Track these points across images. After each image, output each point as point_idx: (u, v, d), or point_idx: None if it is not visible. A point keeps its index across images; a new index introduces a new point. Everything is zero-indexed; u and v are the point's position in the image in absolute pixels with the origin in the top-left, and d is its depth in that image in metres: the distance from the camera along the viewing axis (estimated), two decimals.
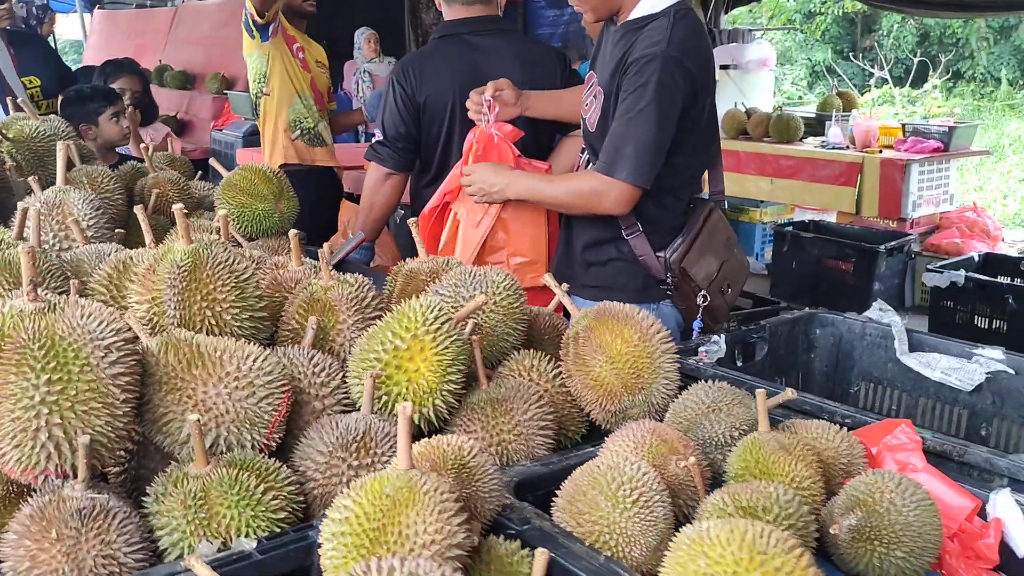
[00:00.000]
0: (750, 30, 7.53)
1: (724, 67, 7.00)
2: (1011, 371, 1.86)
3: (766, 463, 1.23)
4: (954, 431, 1.94)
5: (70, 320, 1.09)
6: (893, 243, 5.39)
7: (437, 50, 2.86)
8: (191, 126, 7.37)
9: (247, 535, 1.11)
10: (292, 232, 1.60)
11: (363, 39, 7.91)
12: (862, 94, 16.48)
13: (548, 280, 1.55)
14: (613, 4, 2.31)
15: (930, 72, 16.12)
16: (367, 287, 1.52)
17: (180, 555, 1.10)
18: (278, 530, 1.14)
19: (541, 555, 0.99)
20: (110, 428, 1.10)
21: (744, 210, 6.61)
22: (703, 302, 2.35)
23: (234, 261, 1.32)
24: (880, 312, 2.05)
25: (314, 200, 3.61)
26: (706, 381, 1.47)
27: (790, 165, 6.11)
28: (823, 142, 6.15)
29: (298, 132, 4.01)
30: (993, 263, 5.02)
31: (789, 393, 1.34)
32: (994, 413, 1.90)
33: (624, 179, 2.21)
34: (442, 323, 1.32)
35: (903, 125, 6.17)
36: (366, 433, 1.22)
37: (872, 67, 17.11)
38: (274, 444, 1.25)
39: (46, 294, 1.13)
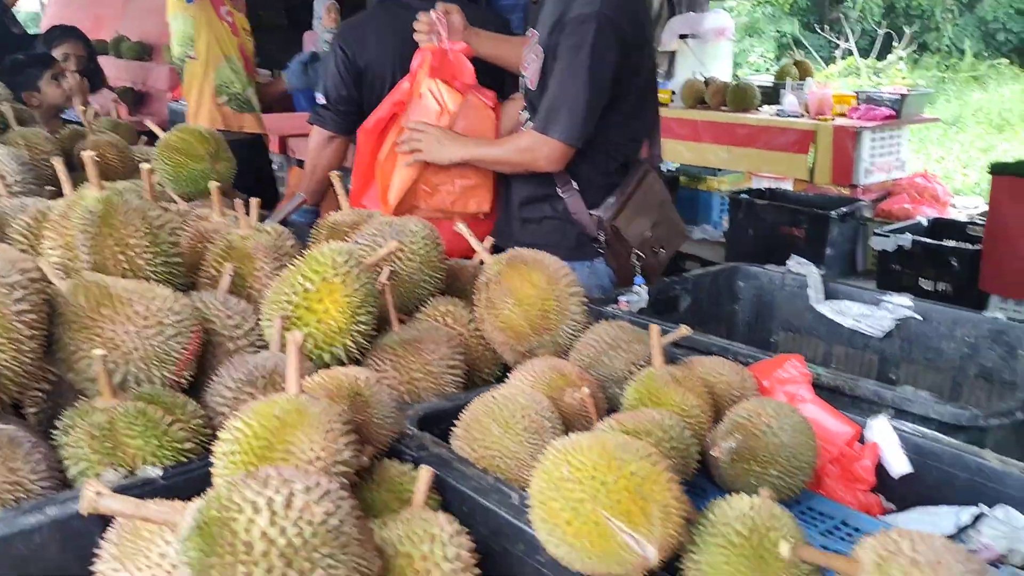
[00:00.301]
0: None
1: (683, 36, 7.04)
2: (919, 317, 1.94)
3: (657, 394, 1.30)
4: (866, 375, 2.02)
5: None
6: (845, 209, 5.47)
7: (377, 15, 2.87)
8: (149, 97, 7.31)
9: (153, 464, 1.16)
10: (212, 184, 1.64)
11: (324, 8, 7.82)
12: (828, 66, 16.61)
13: (461, 228, 1.60)
14: None
15: (895, 44, 16.26)
16: (285, 236, 1.56)
17: None
18: (185, 460, 1.19)
19: (425, 471, 1.05)
20: (16, 362, 1.15)
21: (702, 179, 6.67)
22: (636, 260, 2.41)
23: (147, 208, 1.36)
24: (798, 264, 2.13)
25: (241, 169, 3.61)
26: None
27: (746, 133, 6.18)
28: (779, 110, 6.22)
29: (225, 97, 3.98)
30: (941, 227, 5.13)
31: (683, 330, 1.40)
32: (903, 358, 1.98)
33: (557, 137, 2.28)
34: (351, 267, 1.36)
35: (857, 93, 6.24)
36: (273, 370, 1.27)
37: (839, 39, 17.23)
38: (185, 381, 1.29)
39: None
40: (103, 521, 1.04)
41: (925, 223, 5.18)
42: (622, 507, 0.91)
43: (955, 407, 1.39)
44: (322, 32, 7.95)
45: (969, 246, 4.71)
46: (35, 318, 1.17)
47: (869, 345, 2.01)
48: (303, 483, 0.89)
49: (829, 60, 17.14)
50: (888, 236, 4.92)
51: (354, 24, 2.91)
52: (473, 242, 1.59)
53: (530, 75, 2.43)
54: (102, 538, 1.02)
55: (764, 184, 6.22)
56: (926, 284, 4.80)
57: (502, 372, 1.60)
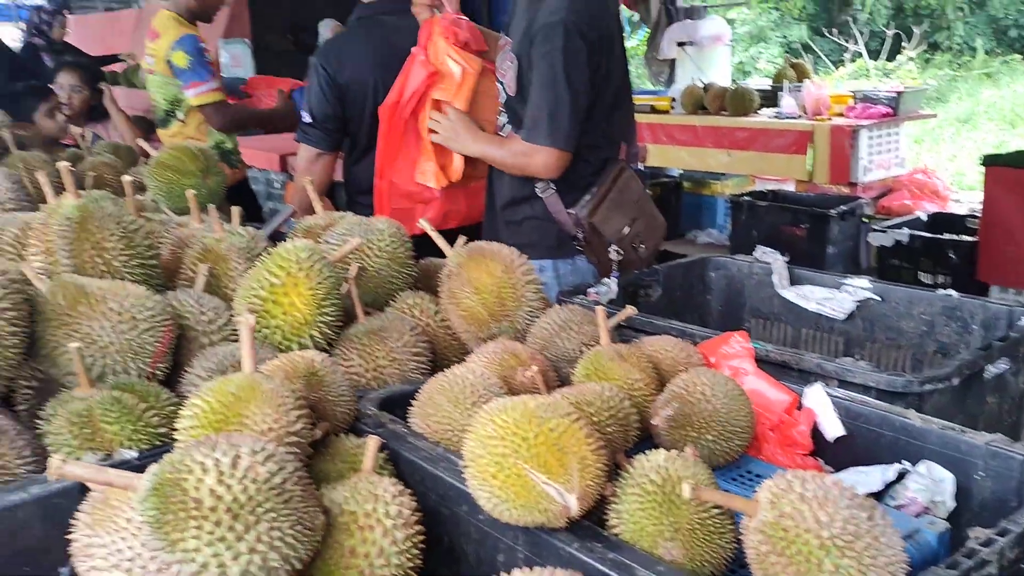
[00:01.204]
0: (705, 6, 7.67)
1: (681, 44, 7.13)
2: (878, 298, 2.00)
3: (603, 370, 1.37)
4: (833, 355, 2.08)
5: None
6: (844, 207, 5.52)
7: (356, 32, 2.98)
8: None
9: (129, 447, 1.25)
10: (189, 192, 1.74)
11: (327, 30, 8.01)
12: (837, 68, 16.63)
13: (423, 224, 1.69)
14: None
15: (904, 44, 16.25)
16: (258, 239, 1.66)
17: None
18: (159, 443, 1.28)
19: (372, 440, 1.13)
20: (1, 358, 1.24)
21: (706, 183, 6.74)
22: (616, 256, 2.49)
23: (122, 213, 1.46)
24: (764, 253, 2.20)
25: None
26: None
27: (745, 136, 6.24)
28: (776, 113, 6.28)
29: (221, 155, 4.10)
30: (941, 222, 5.17)
31: (629, 310, 1.48)
32: (866, 338, 2.04)
33: (545, 144, 2.36)
34: (314, 261, 1.45)
35: (854, 92, 6.30)
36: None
37: (847, 42, 17.24)
38: (160, 373, 1.39)
39: None
40: (80, 497, 1.14)
41: (924, 218, 5.22)
42: (541, 460, 0.99)
43: (891, 374, 1.46)
44: None
45: (968, 238, 4.74)
46: (16, 316, 1.26)
47: (834, 328, 2.08)
48: (249, 447, 0.97)
49: (838, 63, 17.15)
50: (886, 232, 4.97)
51: (333, 43, 3.02)
52: (435, 237, 1.68)
53: (507, 82, 2.52)
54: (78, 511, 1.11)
55: (768, 186, 6.28)
56: (925, 278, 4.83)
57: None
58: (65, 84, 4.44)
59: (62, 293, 1.33)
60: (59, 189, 1.50)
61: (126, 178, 1.71)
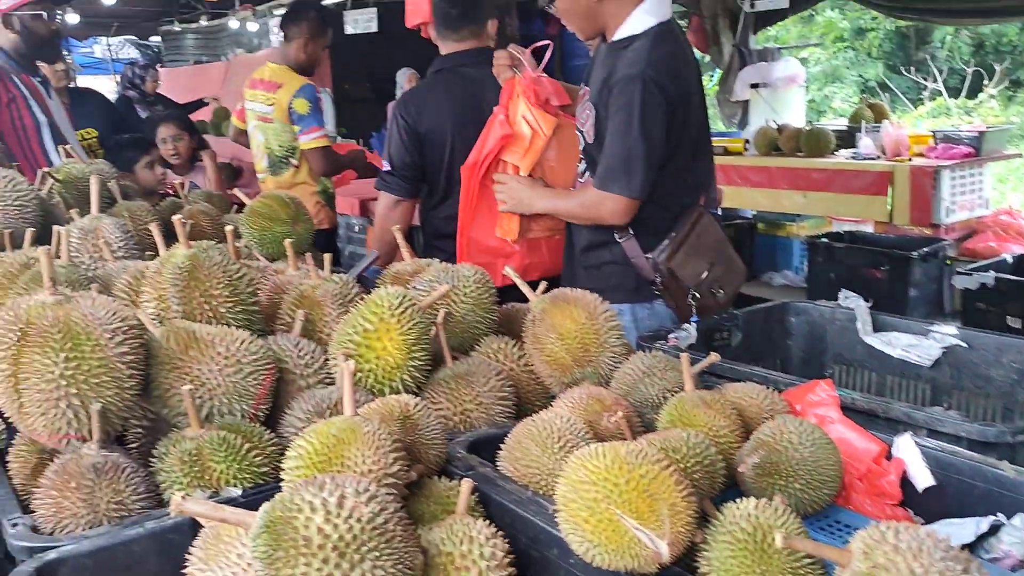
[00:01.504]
0: (779, 48, 7.64)
1: (754, 86, 7.13)
2: (965, 345, 1.98)
3: (688, 416, 1.40)
4: (919, 403, 2.06)
5: (83, 309, 1.32)
6: (926, 249, 5.41)
7: (435, 83, 3.10)
8: (246, 171, 7.77)
9: (235, 485, 1.32)
10: (287, 241, 1.83)
11: (405, 79, 8.26)
12: (916, 107, 16.35)
13: (508, 272, 1.74)
14: (597, 25, 2.52)
15: (985, 82, 15.91)
16: (351, 285, 1.73)
17: None
18: (262, 482, 1.34)
19: (465, 483, 1.17)
20: (119, 398, 1.33)
21: (781, 225, 6.68)
22: (693, 301, 2.51)
23: (227, 262, 1.55)
24: (847, 298, 2.19)
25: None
26: None
27: (821, 178, 6.18)
28: (854, 153, 6.21)
29: (325, 199, 4.40)
30: None
31: (713, 357, 1.50)
32: (953, 386, 2.01)
33: (617, 193, 2.41)
34: (406, 308, 1.51)
35: (934, 132, 6.20)
36: (338, 402, 1.42)
37: (926, 80, 16.96)
38: (262, 415, 1.46)
39: (66, 290, 1.36)
40: (192, 533, 1.20)
41: (1010, 260, 5.08)
42: (632, 505, 1.01)
43: (982, 425, 1.45)
44: None
45: None
46: (133, 359, 1.35)
47: (920, 375, 2.05)
48: (353, 487, 1.02)
49: (917, 102, 16.87)
50: (971, 275, 4.84)
51: (413, 94, 3.14)
52: (519, 283, 1.73)
53: (586, 130, 2.58)
54: (192, 546, 1.18)
55: (845, 228, 6.20)
56: (1014, 322, 4.69)
57: (551, 404, 1.71)
58: (167, 136, 4.72)
59: (174, 338, 1.41)
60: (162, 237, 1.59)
61: (228, 228, 1.81)
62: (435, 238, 3.16)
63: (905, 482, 1.37)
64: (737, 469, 1.33)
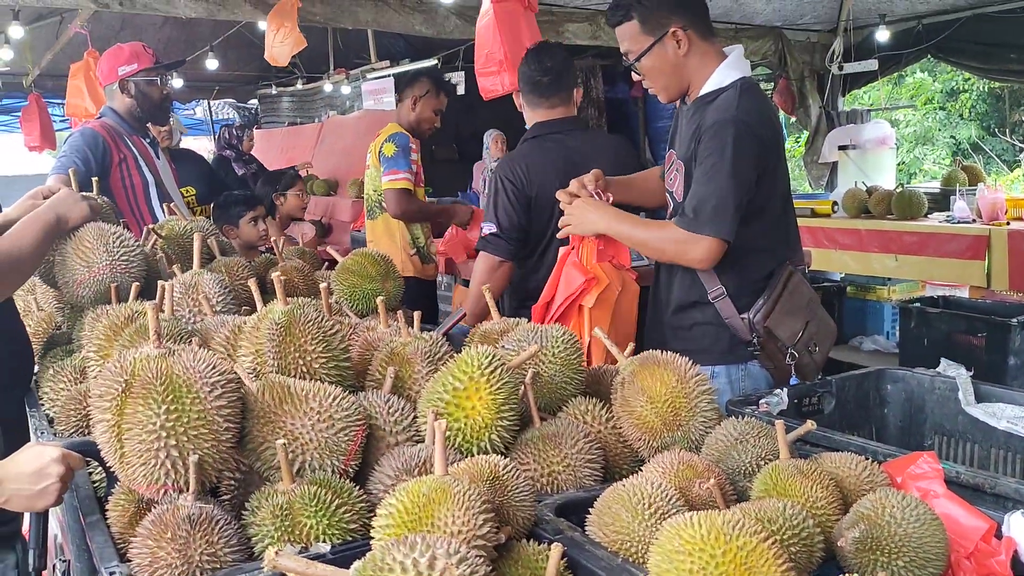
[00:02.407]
0: (868, 110, 7.54)
1: (843, 148, 7.03)
2: None
3: (784, 486, 1.36)
4: None
5: (185, 363, 1.37)
6: None
7: (534, 148, 3.18)
8: (335, 228, 7.99)
9: (324, 541, 1.33)
10: (379, 299, 1.86)
11: (491, 139, 8.41)
12: (1012, 170, 15.86)
13: (598, 333, 1.73)
14: (682, 82, 2.53)
15: None
16: (440, 344, 1.75)
17: None
18: (350, 539, 1.35)
19: (556, 548, 1.16)
20: (215, 450, 1.36)
21: (871, 288, 6.51)
22: (791, 360, 2.44)
23: (322, 319, 1.58)
24: (948, 366, 2.11)
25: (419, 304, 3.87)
26: None
27: (914, 241, 6.02)
28: (948, 216, 6.05)
29: (415, 250, 4.47)
30: None
31: (809, 425, 1.46)
32: None
33: (708, 234, 2.33)
34: (496, 367, 1.52)
35: None
36: (427, 460, 1.43)
37: (1022, 142, 16.48)
38: (352, 471, 1.47)
39: (168, 343, 1.41)
40: None
41: None
42: None
43: None
44: (489, 161, 8.51)
45: None
46: (231, 413, 1.38)
47: None
48: (444, 548, 1.02)
49: (1013, 164, 16.38)
50: None
51: (516, 158, 3.19)
52: (609, 345, 1.72)
53: (675, 189, 2.57)
54: None
55: (938, 292, 6.01)
56: None
57: (639, 468, 1.68)
58: (303, 195, 4.99)
59: (269, 392, 1.44)
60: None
61: (323, 285, 1.85)
62: (526, 299, 3.18)
63: (1016, 563, 1.30)
64: (836, 543, 1.28)
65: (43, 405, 2.06)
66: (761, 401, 1.99)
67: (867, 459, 1.46)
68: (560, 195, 2.63)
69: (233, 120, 13.24)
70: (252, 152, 8.68)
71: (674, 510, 1.29)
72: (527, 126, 3.37)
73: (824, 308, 2.63)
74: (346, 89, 10.11)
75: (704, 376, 1.62)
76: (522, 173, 3.08)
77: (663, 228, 2.51)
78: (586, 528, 1.34)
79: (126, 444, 1.35)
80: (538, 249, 3.14)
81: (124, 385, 1.36)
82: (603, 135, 3.32)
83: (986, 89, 16.55)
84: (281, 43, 5.51)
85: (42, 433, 1.92)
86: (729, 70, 2.46)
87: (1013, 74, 7.19)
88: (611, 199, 2.67)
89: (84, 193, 2.40)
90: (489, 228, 3.10)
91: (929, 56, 7.61)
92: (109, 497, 1.52)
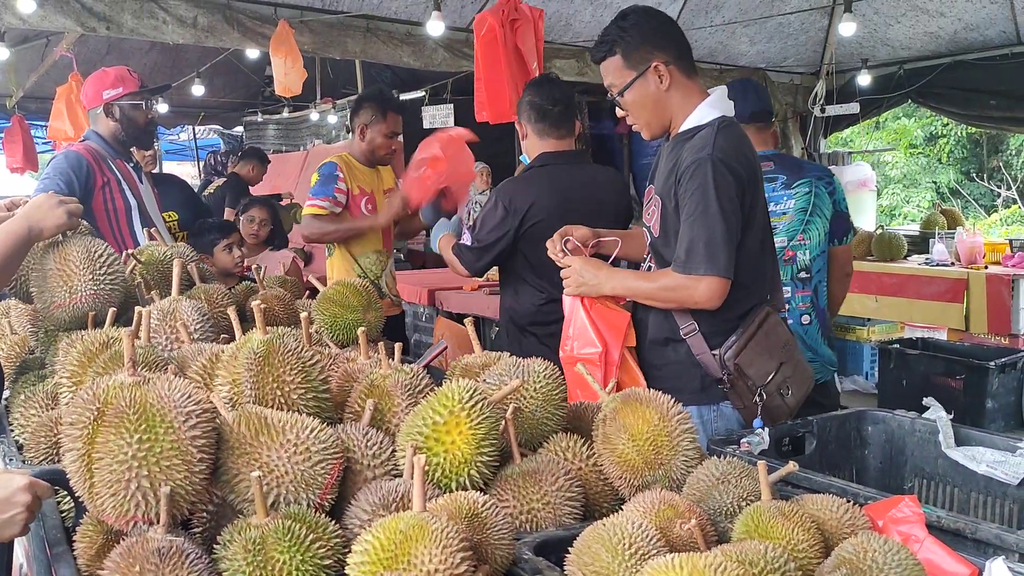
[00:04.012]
0: (849, 152, 7.63)
1: None
2: None
3: (765, 527, 1.34)
4: (1007, 524, 1.95)
5: (159, 391, 1.34)
6: (1005, 360, 5.23)
7: (538, 175, 3.33)
8: (317, 256, 7.96)
9: None
10: (360, 330, 1.84)
11: (476, 171, 8.43)
12: (989, 215, 16.08)
13: (581, 370, 1.72)
14: (664, 118, 2.54)
15: None
16: (421, 376, 1.73)
17: None
18: (324, 575, 1.32)
19: None
20: (188, 482, 1.33)
21: (851, 328, 6.54)
22: (760, 400, 2.42)
23: (301, 349, 1.56)
24: (929, 408, 2.11)
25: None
26: None
27: (894, 283, 6.08)
28: (927, 259, 6.11)
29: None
30: None
31: (791, 467, 1.45)
32: None
33: (705, 273, 2.32)
34: (476, 402, 1.50)
35: (1011, 240, 6.08)
36: (405, 495, 1.40)
37: (999, 187, 16.73)
38: (327, 505, 1.44)
39: (143, 371, 1.38)
40: None
41: None
42: None
43: None
44: (474, 194, 8.53)
45: None
46: (205, 444, 1.35)
47: (1007, 493, 1.95)
48: None
49: (991, 209, 16.62)
50: None
51: (518, 183, 3.45)
52: (591, 381, 1.71)
53: (652, 224, 2.57)
54: None
55: (917, 334, 6.05)
56: None
57: (620, 507, 1.66)
58: (257, 217, 4.92)
59: (246, 423, 1.41)
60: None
61: (304, 315, 1.83)
62: (531, 324, 3.36)
63: None
64: None
65: (13, 431, 2.02)
66: (743, 440, 1.98)
67: (848, 502, 1.45)
68: (551, 251, 2.65)
69: (218, 145, 13.23)
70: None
71: (654, 551, 1.27)
72: (524, 155, 3.48)
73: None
74: (332, 118, 10.14)
75: (686, 415, 1.61)
76: (521, 198, 3.23)
77: (663, 276, 2.48)
78: (565, 568, 1.32)
79: (96, 474, 1.32)
80: (532, 270, 3.29)
81: (96, 413, 1.33)
82: (603, 170, 3.46)
83: (964, 135, 16.82)
84: (288, 72, 5.50)
85: (11, 460, 1.88)
86: (710, 108, 2.48)
87: (991, 120, 7.32)
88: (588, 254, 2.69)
89: (63, 197, 2.25)
90: (467, 240, 3.30)
91: (909, 101, 7.73)
92: (77, 528, 1.49)
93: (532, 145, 3.42)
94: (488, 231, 3.27)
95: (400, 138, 4.49)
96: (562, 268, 2.63)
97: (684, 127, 2.48)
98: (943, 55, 7.16)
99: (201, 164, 10.75)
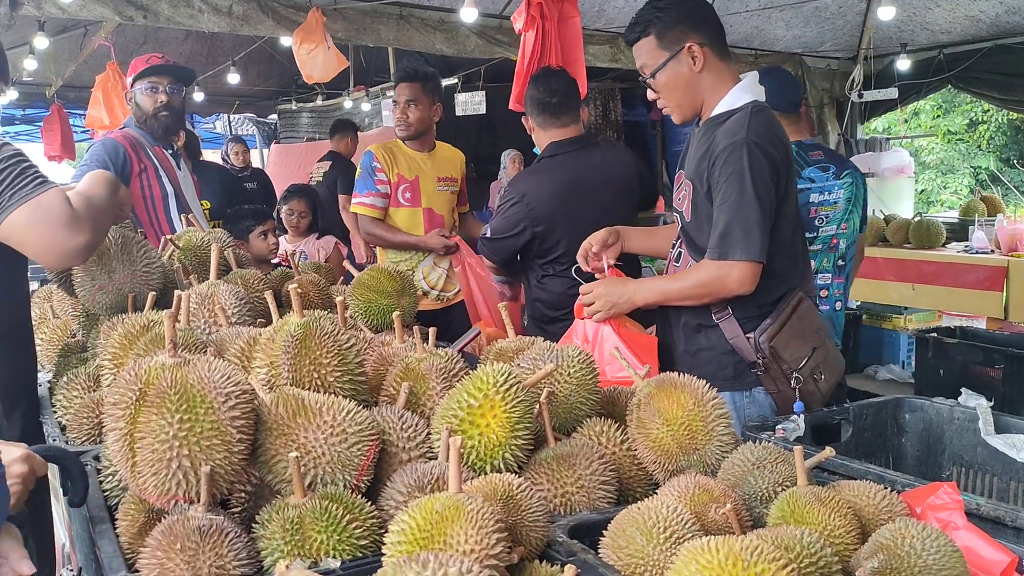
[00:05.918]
0: (887, 139, 7.53)
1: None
2: None
3: (801, 513, 1.34)
4: None
5: (200, 373, 1.36)
6: None
7: (548, 165, 3.35)
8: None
9: (333, 557, 1.31)
10: (395, 314, 1.85)
11: (508, 159, 8.44)
12: None
13: (616, 354, 1.72)
14: (696, 101, 2.51)
15: None
16: (455, 360, 1.74)
17: None
18: (360, 555, 1.33)
19: (569, 570, 1.14)
20: (227, 462, 1.35)
21: (887, 317, 6.46)
22: (796, 384, 2.40)
23: (338, 332, 1.57)
24: (967, 396, 2.08)
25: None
26: None
27: (932, 270, 5.99)
28: (966, 247, 6.01)
29: (422, 292, 4.27)
30: None
31: (828, 452, 1.44)
32: None
33: (740, 259, 2.31)
34: (511, 385, 1.50)
35: None
36: (440, 477, 1.41)
37: None
38: (363, 486, 1.46)
39: (184, 353, 1.41)
40: None
41: None
42: None
43: None
44: (506, 180, 8.53)
45: None
46: (244, 424, 1.37)
47: None
48: (456, 567, 1.01)
49: None
50: None
51: (530, 174, 3.34)
52: (626, 366, 1.70)
53: (684, 209, 2.55)
54: None
55: (955, 323, 5.96)
56: None
57: (654, 491, 1.66)
58: (296, 210, 4.99)
59: (283, 404, 1.43)
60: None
61: (339, 299, 1.85)
62: (559, 312, 3.35)
63: None
64: (855, 573, 1.26)
65: (56, 412, 2.06)
66: (778, 427, 1.97)
67: (886, 488, 1.43)
68: (584, 288, 2.61)
69: (253, 139, 13.35)
70: (266, 169, 8.69)
71: (689, 534, 1.27)
72: (536, 149, 3.50)
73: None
74: (366, 106, 10.17)
75: (721, 400, 1.60)
76: (535, 191, 3.27)
77: (696, 270, 2.46)
78: (599, 551, 1.32)
79: (138, 453, 1.34)
80: (555, 260, 3.31)
81: (138, 393, 1.35)
82: (613, 149, 3.49)
83: (1005, 121, 16.51)
84: (312, 60, 5.52)
85: (55, 440, 1.92)
86: (742, 92, 2.45)
87: None
88: (618, 252, 2.68)
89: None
90: (488, 231, 3.41)
91: (949, 86, 7.59)
92: (119, 506, 1.52)
93: (540, 137, 3.51)
94: (503, 222, 3.36)
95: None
96: (583, 296, 2.57)
97: (716, 111, 2.46)
98: (984, 39, 7.02)
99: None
